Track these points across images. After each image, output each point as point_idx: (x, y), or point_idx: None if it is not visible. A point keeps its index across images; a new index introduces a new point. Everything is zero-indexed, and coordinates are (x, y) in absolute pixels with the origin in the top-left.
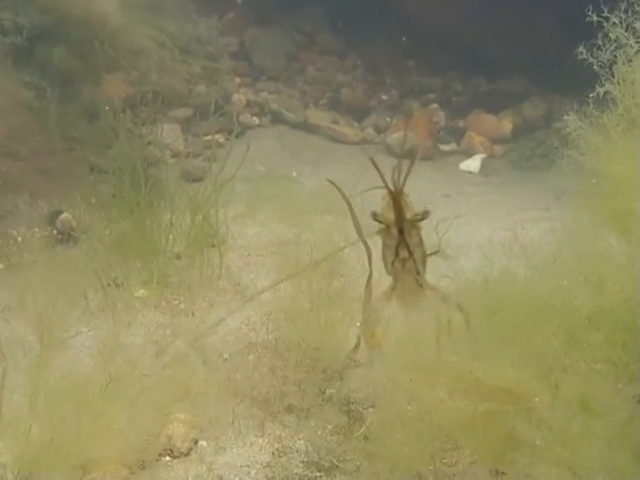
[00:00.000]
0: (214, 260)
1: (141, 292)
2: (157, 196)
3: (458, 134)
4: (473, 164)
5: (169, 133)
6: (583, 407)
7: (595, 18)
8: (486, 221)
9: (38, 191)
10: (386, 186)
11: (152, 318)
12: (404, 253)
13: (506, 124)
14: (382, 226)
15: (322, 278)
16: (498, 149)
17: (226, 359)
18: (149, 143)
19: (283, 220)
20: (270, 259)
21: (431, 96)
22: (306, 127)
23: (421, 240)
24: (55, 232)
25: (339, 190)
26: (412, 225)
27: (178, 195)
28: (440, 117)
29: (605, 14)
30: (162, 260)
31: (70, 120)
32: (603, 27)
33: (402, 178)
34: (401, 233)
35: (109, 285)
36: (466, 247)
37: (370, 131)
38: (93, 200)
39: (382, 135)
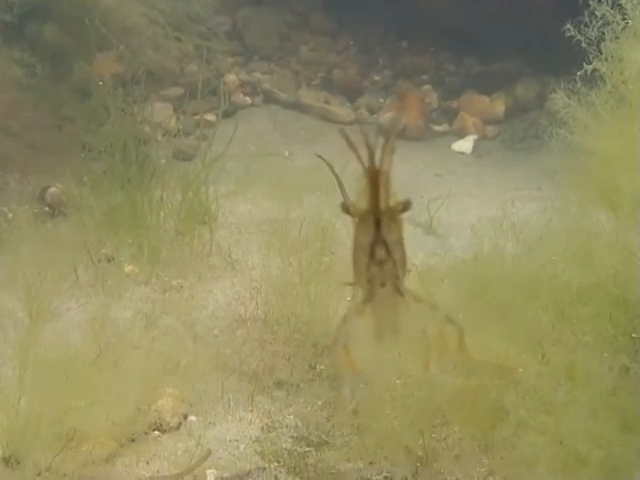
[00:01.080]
0: (205, 237)
1: (131, 268)
2: (148, 173)
3: (451, 115)
4: (465, 145)
5: (161, 111)
6: (569, 377)
7: None
8: (478, 200)
9: (29, 167)
10: (361, 163)
11: (142, 293)
12: (381, 253)
13: (499, 105)
14: (353, 219)
15: (312, 254)
16: (491, 130)
17: (216, 335)
18: (141, 121)
19: (274, 198)
20: (261, 236)
21: (424, 77)
22: (298, 107)
23: (401, 238)
24: (46, 208)
25: (328, 165)
26: (392, 217)
27: (169, 173)
28: (433, 98)
29: None
30: (153, 236)
31: (62, 97)
32: (589, 5)
33: (383, 154)
34: (378, 227)
35: (99, 261)
36: (457, 226)
37: (363, 111)
38: (84, 177)
39: (375, 115)
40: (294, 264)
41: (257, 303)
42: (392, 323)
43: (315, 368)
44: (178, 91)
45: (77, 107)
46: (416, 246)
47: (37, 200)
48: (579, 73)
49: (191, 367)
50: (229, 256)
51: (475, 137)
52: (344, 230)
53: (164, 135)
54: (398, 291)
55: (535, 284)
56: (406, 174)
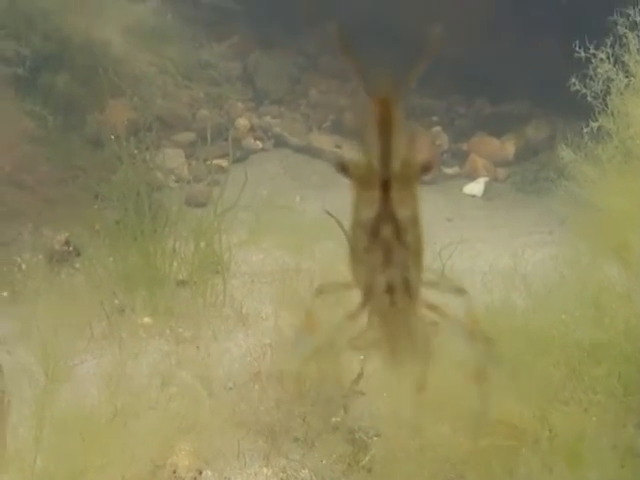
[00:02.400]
0: (218, 287)
1: (145, 320)
2: (161, 222)
3: (461, 157)
4: (476, 187)
5: (172, 158)
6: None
7: (583, 54)
8: (490, 245)
9: (42, 219)
10: (363, 87)
11: (157, 346)
12: (388, 234)
13: (509, 147)
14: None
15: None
16: (501, 172)
17: (231, 389)
18: (153, 168)
19: (286, 247)
20: (273, 287)
21: (434, 118)
22: (309, 151)
23: (418, 213)
24: (59, 259)
25: (337, 222)
26: (407, 181)
27: (182, 221)
28: (443, 140)
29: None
30: (166, 288)
31: (74, 148)
32: (592, 60)
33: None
34: (386, 194)
35: (113, 313)
36: (469, 273)
37: None
38: (97, 227)
39: None
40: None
41: (270, 358)
42: (399, 338)
43: (329, 422)
44: (189, 137)
45: (89, 157)
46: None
47: (50, 251)
48: (585, 130)
49: (207, 424)
50: (242, 307)
51: (486, 179)
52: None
53: (176, 181)
54: (409, 293)
55: (546, 340)
56: None
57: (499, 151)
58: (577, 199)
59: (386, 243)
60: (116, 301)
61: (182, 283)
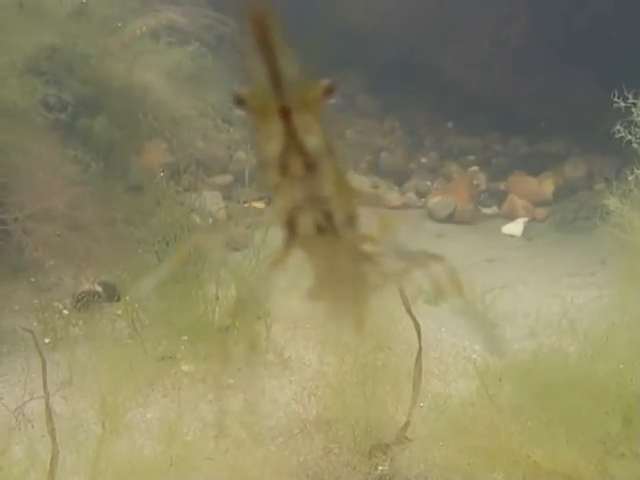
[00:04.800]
0: (260, 332)
1: (189, 367)
2: (201, 266)
3: (499, 197)
4: (516, 227)
5: (210, 200)
6: None
7: (622, 104)
8: (531, 287)
9: (83, 263)
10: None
11: (201, 394)
12: (297, 166)
13: (547, 186)
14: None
15: (368, 351)
16: (540, 212)
17: (277, 437)
18: (191, 211)
19: None
20: (315, 332)
21: (471, 158)
22: None
23: (329, 140)
24: (100, 304)
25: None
26: (309, 105)
27: (222, 265)
28: (480, 179)
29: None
30: (209, 333)
31: (115, 191)
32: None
33: None
34: (287, 122)
35: (157, 360)
36: (512, 316)
37: (411, 195)
38: (138, 271)
39: (423, 199)
40: (350, 361)
41: (315, 404)
42: (331, 278)
43: (377, 470)
44: (227, 179)
45: (130, 201)
46: (471, 338)
47: (91, 296)
48: (630, 177)
49: (258, 476)
50: (284, 353)
51: (525, 219)
52: (404, 322)
53: (215, 224)
54: (335, 228)
55: (600, 388)
56: (457, 260)
57: (537, 190)
58: (618, 240)
59: (297, 176)
60: (159, 347)
61: (225, 329)
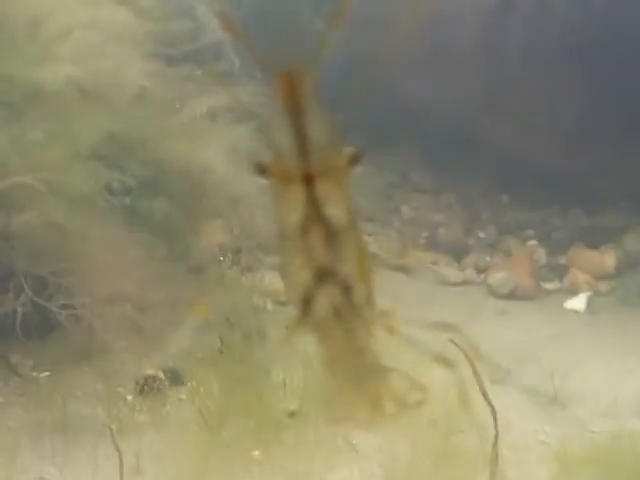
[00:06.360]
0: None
1: (255, 453)
2: (265, 348)
3: (560, 271)
4: (578, 303)
5: (270, 280)
6: None
7: None
8: (600, 365)
9: (148, 347)
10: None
11: None
12: (319, 238)
13: (609, 259)
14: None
15: (440, 434)
16: (603, 285)
17: None
18: (252, 291)
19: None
20: None
21: (529, 232)
22: (405, 269)
23: (354, 213)
24: (163, 390)
25: (459, 348)
26: (335, 174)
27: (289, 348)
28: (540, 254)
29: None
30: (275, 418)
31: (176, 273)
32: None
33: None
34: (310, 190)
35: (223, 446)
36: (580, 395)
37: (470, 271)
38: (200, 355)
39: (483, 275)
40: (421, 446)
41: None
42: (345, 362)
43: None
44: None
45: (191, 282)
46: (541, 419)
47: (154, 381)
48: None
49: None
50: (353, 439)
51: (588, 294)
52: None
53: (275, 304)
54: (354, 308)
55: None
56: (520, 337)
57: (599, 264)
58: None
59: (317, 248)
60: (224, 433)
61: (292, 414)
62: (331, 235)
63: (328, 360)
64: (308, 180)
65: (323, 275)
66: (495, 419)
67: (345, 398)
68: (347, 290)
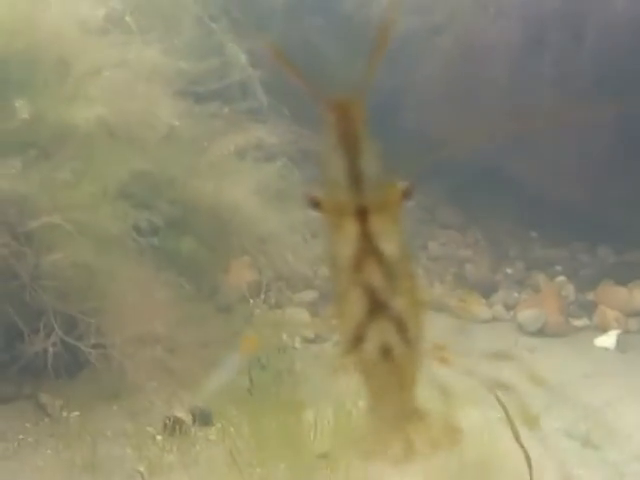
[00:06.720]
0: (358, 462)
1: None
2: (292, 387)
3: (589, 308)
4: (609, 340)
5: (295, 317)
6: None
7: None
8: (631, 404)
9: (177, 386)
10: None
11: None
12: (373, 272)
13: (638, 295)
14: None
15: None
16: (633, 323)
17: None
18: (278, 328)
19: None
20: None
21: (557, 268)
22: (433, 306)
23: (407, 247)
24: (193, 430)
25: (502, 406)
26: (389, 208)
27: (311, 383)
28: (569, 291)
29: None
30: (306, 460)
31: (205, 313)
32: None
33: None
34: (364, 224)
35: None
36: (614, 436)
37: (499, 308)
38: (229, 395)
39: (512, 312)
40: None
41: None
42: (393, 402)
43: None
44: (312, 295)
45: (219, 322)
46: (575, 462)
47: (184, 420)
48: None
49: None
50: None
51: (617, 331)
52: (507, 448)
53: (302, 342)
54: (402, 338)
55: None
56: (550, 375)
57: (628, 301)
58: None
59: (369, 283)
60: (254, 475)
61: (323, 456)
62: (384, 269)
63: (368, 396)
64: (362, 214)
65: (376, 309)
66: (530, 467)
67: (380, 434)
68: (400, 325)
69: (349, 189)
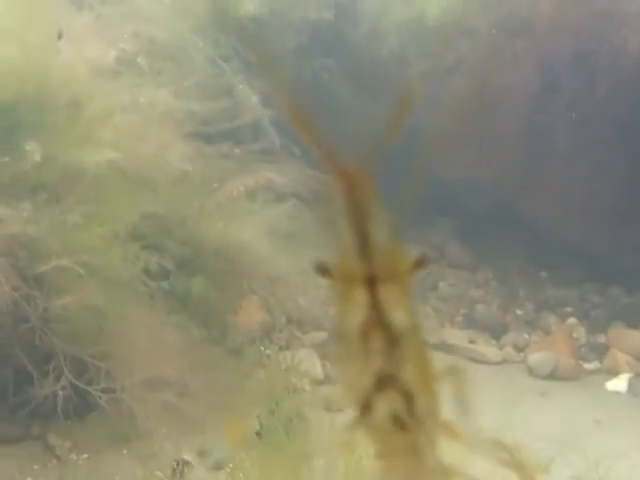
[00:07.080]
0: None
1: None
2: (303, 432)
3: (600, 351)
4: (620, 384)
5: (305, 359)
6: None
7: None
8: None
9: (186, 431)
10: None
11: None
12: (381, 342)
13: None
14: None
15: None
16: None
17: None
18: (287, 371)
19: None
20: None
21: (568, 309)
22: (443, 347)
23: (417, 320)
24: (203, 474)
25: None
26: (399, 279)
27: (324, 430)
28: (580, 333)
29: None
30: None
31: (215, 357)
32: None
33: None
34: (374, 294)
35: None
36: None
37: (509, 349)
38: (238, 439)
39: (522, 354)
40: None
41: None
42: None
43: None
44: (322, 336)
45: (229, 364)
46: None
47: (193, 465)
48: None
49: None
50: None
51: (629, 375)
52: None
53: (312, 384)
54: (412, 412)
55: None
56: (561, 420)
57: (639, 344)
58: None
59: (377, 353)
60: None
61: None
62: (393, 340)
63: (383, 465)
64: (371, 283)
65: (384, 381)
66: None
67: None
68: (409, 398)
69: (359, 258)
